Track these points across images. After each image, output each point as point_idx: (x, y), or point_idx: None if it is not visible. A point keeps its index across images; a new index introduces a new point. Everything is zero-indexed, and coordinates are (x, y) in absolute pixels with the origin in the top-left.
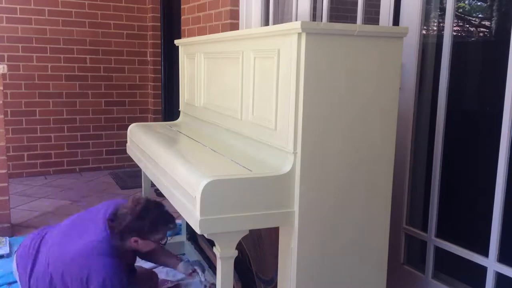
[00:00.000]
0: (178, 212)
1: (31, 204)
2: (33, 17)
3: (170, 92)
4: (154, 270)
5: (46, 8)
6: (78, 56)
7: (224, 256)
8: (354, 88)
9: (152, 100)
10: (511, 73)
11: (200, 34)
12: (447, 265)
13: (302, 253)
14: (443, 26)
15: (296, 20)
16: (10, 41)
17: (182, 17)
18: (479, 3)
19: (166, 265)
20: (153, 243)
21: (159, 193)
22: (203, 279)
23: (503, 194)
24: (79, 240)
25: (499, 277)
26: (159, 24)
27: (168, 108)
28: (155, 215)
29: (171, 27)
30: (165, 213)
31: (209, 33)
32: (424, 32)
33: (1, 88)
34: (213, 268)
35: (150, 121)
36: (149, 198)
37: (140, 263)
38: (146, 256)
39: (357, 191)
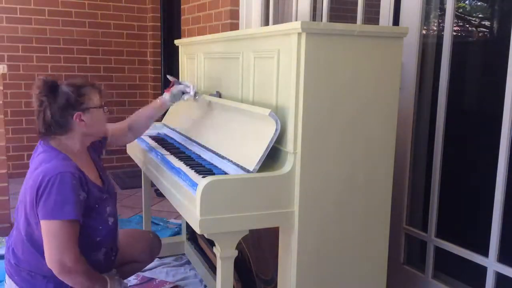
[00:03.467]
0: (178, 212)
1: None
2: (33, 17)
3: None
4: (154, 270)
5: (46, 8)
6: (78, 56)
7: (224, 256)
8: (354, 88)
9: (152, 100)
10: (511, 73)
11: (200, 34)
12: (447, 265)
13: (302, 253)
14: (443, 26)
15: (296, 20)
16: (10, 41)
17: (182, 17)
18: (479, 3)
19: (151, 116)
20: (96, 109)
21: (159, 193)
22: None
23: (503, 194)
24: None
25: (499, 277)
26: (159, 24)
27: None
28: (63, 84)
29: (171, 27)
30: (69, 79)
31: (209, 33)
32: (424, 32)
33: (1, 88)
34: (213, 268)
35: None
36: (43, 79)
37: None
38: (114, 140)
39: (357, 191)
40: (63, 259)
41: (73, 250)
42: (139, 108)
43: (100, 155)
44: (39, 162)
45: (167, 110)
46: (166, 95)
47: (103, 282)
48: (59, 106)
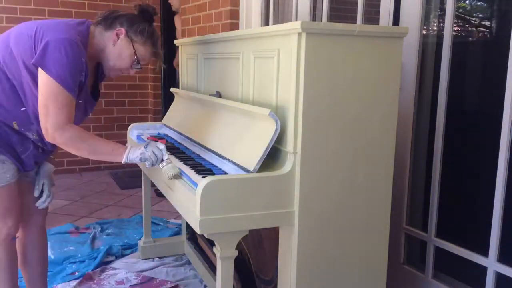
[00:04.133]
0: (178, 212)
1: None
2: (33, 17)
3: (170, 92)
4: (154, 270)
5: (46, 8)
6: None
7: (224, 256)
8: (354, 88)
9: (152, 100)
10: (511, 73)
11: (200, 34)
12: (447, 265)
13: (302, 253)
14: (443, 26)
15: (296, 20)
16: None
17: (182, 17)
18: (479, 3)
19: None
20: (132, 50)
21: (159, 193)
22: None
23: (503, 194)
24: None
25: (499, 277)
26: (159, 24)
27: (168, 108)
28: (152, 26)
29: (171, 27)
30: (157, 35)
31: (209, 33)
32: (424, 32)
33: None
34: (213, 268)
35: (150, 121)
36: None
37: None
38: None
39: (357, 191)
40: (59, 121)
41: (68, 116)
42: (139, 108)
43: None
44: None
45: (168, 110)
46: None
47: (114, 145)
48: (129, 17)
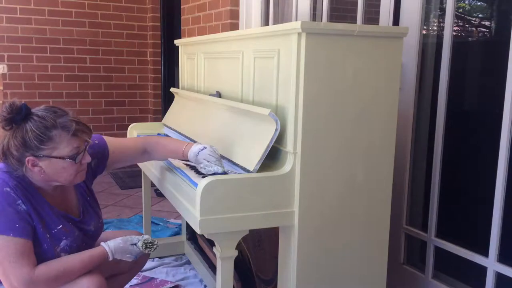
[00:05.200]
0: (178, 212)
1: None
2: (33, 17)
3: (170, 92)
4: (154, 270)
5: (46, 8)
6: (78, 56)
7: (224, 256)
8: (354, 88)
9: (152, 100)
10: (511, 73)
11: (200, 34)
12: (447, 265)
13: (302, 253)
14: (443, 26)
15: (296, 20)
16: (10, 41)
17: (182, 17)
18: (479, 3)
19: (171, 153)
20: (60, 160)
21: (159, 193)
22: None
23: (503, 194)
24: None
25: (499, 277)
26: (159, 24)
27: (168, 108)
28: (33, 117)
29: (171, 27)
30: (52, 112)
31: (209, 33)
32: (424, 32)
33: (1, 88)
34: (213, 268)
35: (150, 121)
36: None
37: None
38: (121, 159)
39: (357, 191)
40: (23, 275)
41: (29, 263)
42: (139, 108)
43: (89, 183)
44: None
45: (168, 110)
46: (194, 150)
47: (92, 257)
48: (14, 143)
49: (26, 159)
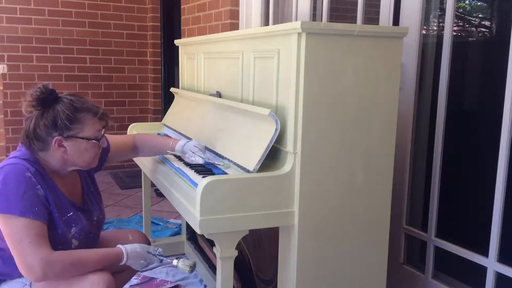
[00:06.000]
0: (178, 212)
1: None
2: (33, 17)
3: (170, 92)
4: (154, 270)
5: (46, 8)
6: (78, 56)
7: (224, 256)
8: (354, 88)
9: (152, 100)
10: (511, 73)
11: (200, 34)
12: (447, 265)
13: (302, 253)
14: (443, 26)
15: (296, 20)
16: (10, 41)
17: (182, 17)
18: (479, 3)
19: (157, 150)
20: (84, 141)
21: (159, 193)
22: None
23: (503, 194)
24: None
25: (499, 277)
26: (159, 24)
27: (168, 108)
28: (63, 100)
29: (171, 27)
30: (78, 97)
31: (209, 33)
32: (424, 32)
33: (1, 88)
34: (213, 268)
35: (150, 121)
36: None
37: None
38: (116, 155)
39: (357, 191)
40: (29, 264)
41: (47, 244)
42: (139, 108)
43: (92, 174)
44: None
45: (168, 110)
46: (180, 143)
47: (109, 257)
48: (44, 123)
49: (54, 139)
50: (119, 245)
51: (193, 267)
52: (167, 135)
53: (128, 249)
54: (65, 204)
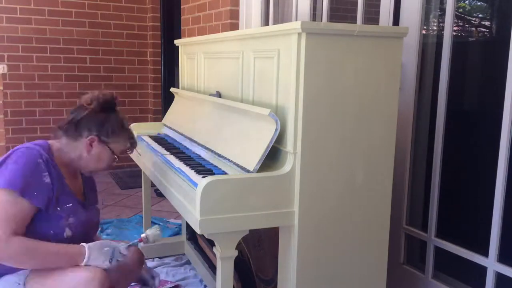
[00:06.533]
0: (178, 212)
1: None
2: (33, 17)
3: (170, 92)
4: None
5: (46, 8)
6: (78, 56)
7: (224, 256)
8: (354, 88)
9: (152, 100)
10: (511, 73)
11: (200, 34)
12: (447, 265)
13: (302, 253)
14: (443, 26)
15: (296, 20)
16: (10, 41)
17: (182, 17)
18: (479, 3)
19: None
20: (109, 152)
21: (159, 193)
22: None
23: (503, 194)
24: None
25: (499, 277)
26: (159, 24)
27: (168, 108)
28: (118, 114)
29: (171, 27)
30: (126, 120)
31: (209, 33)
32: (424, 32)
33: (1, 88)
34: (213, 268)
35: (150, 121)
36: (110, 94)
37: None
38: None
39: (357, 191)
40: (3, 231)
41: (15, 227)
42: (139, 108)
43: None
44: None
45: (168, 110)
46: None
47: (68, 254)
48: (94, 119)
49: (90, 136)
50: (82, 243)
51: (159, 228)
52: (166, 135)
53: (90, 244)
54: (68, 195)
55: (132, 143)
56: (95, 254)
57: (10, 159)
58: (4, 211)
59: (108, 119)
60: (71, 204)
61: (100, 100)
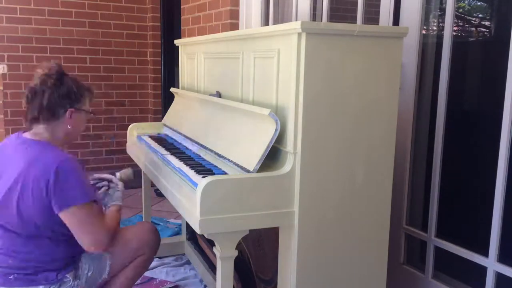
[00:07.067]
0: (178, 212)
1: None
2: (33, 17)
3: (170, 92)
4: (154, 270)
5: (46, 8)
6: (78, 56)
7: (224, 256)
8: (354, 88)
9: (152, 100)
10: (511, 73)
11: (200, 34)
12: (447, 265)
13: (302, 253)
14: (443, 26)
15: (296, 20)
16: (10, 41)
17: (182, 17)
18: (479, 3)
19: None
20: (85, 114)
21: (159, 193)
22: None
23: (503, 194)
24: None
25: (499, 277)
26: (159, 24)
27: (168, 108)
28: (68, 76)
29: (171, 27)
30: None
31: (209, 33)
32: (424, 32)
33: (1, 88)
34: (213, 268)
35: (150, 121)
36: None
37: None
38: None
39: (357, 191)
40: (99, 239)
41: (106, 227)
42: (139, 108)
43: None
44: (31, 157)
45: (168, 110)
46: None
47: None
48: (59, 94)
49: (68, 110)
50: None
51: (130, 169)
52: (166, 135)
53: (105, 203)
54: None
55: (91, 90)
56: (113, 199)
57: (64, 175)
58: (91, 220)
59: (68, 87)
60: None
61: (54, 75)
